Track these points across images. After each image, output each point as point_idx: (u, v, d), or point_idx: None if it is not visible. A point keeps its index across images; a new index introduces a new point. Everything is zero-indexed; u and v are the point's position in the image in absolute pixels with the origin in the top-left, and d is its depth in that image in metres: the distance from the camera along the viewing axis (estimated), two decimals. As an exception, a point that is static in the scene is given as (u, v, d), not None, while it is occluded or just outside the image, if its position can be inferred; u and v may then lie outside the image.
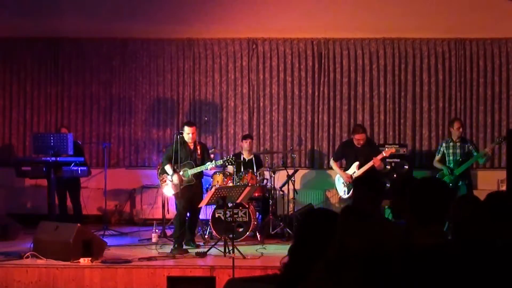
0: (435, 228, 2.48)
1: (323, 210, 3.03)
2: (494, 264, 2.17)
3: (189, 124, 7.52)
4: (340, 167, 8.13)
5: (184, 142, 7.31)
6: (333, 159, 8.22)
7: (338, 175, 8.05)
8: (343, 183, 7.94)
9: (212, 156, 7.70)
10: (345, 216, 2.66)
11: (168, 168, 7.36)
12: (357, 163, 7.78)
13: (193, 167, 7.24)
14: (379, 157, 7.65)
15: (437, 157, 8.17)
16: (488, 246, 2.21)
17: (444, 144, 8.15)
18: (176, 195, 7.35)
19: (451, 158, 7.99)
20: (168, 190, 7.50)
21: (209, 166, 7.27)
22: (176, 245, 6.96)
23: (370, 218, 2.56)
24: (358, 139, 7.82)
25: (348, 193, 7.86)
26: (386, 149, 8.00)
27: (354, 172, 7.77)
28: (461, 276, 2.16)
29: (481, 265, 2.17)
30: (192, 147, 7.38)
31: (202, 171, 7.42)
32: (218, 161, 7.46)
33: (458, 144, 7.99)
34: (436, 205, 2.52)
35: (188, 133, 7.30)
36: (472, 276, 2.16)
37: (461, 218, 2.47)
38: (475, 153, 7.97)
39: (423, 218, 2.50)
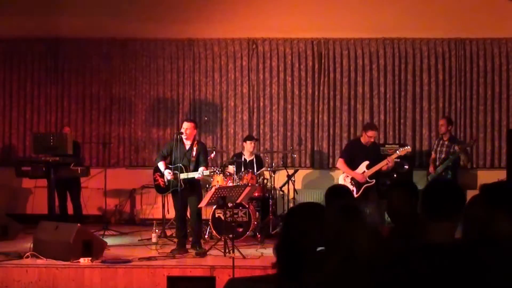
0: (446, 226, 2.47)
1: (305, 205, 3.00)
2: (504, 263, 2.16)
3: (187, 120, 7.44)
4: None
5: (181, 141, 7.13)
6: (343, 159, 7.80)
7: (343, 175, 7.76)
8: (350, 182, 7.59)
9: (212, 155, 7.56)
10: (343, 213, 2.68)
11: (161, 165, 7.24)
12: (366, 162, 7.53)
13: (184, 171, 6.96)
14: (394, 156, 7.59)
15: (433, 154, 8.44)
16: (497, 244, 2.20)
17: (436, 142, 8.43)
18: (172, 196, 7.29)
19: (437, 156, 8.25)
20: (159, 188, 7.44)
21: (196, 175, 6.96)
22: (178, 246, 6.92)
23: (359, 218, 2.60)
24: (371, 136, 7.59)
25: (357, 193, 7.48)
26: (401, 149, 7.77)
27: (364, 171, 7.53)
28: (470, 275, 2.16)
29: (491, 264, 2.16)
30: (187, 147, 7.18)
31: (194, 177, 7.06)
32: (206, 172, 6.98)
33: (446, 143, 8.17)
34: (448, 202, 2.51)
35: (184, 128, 7.13)
36: (482, 275, 2.15)
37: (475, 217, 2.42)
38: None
39: (435, 215, 2.49)
